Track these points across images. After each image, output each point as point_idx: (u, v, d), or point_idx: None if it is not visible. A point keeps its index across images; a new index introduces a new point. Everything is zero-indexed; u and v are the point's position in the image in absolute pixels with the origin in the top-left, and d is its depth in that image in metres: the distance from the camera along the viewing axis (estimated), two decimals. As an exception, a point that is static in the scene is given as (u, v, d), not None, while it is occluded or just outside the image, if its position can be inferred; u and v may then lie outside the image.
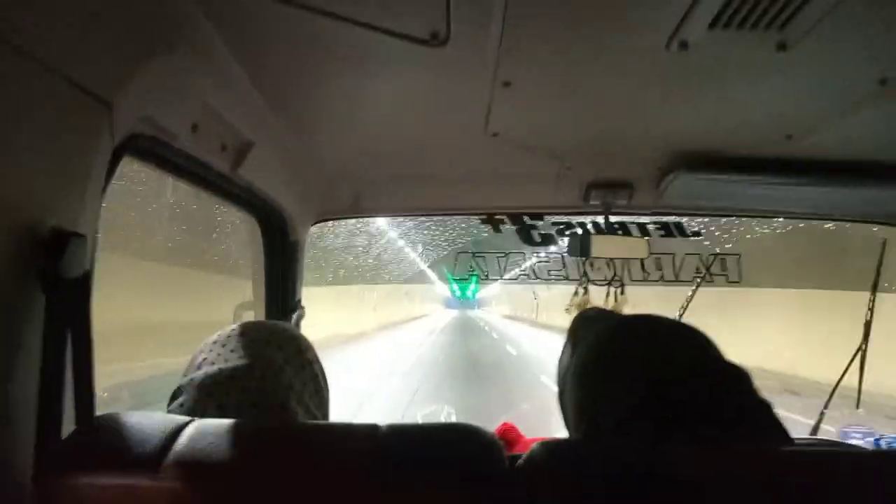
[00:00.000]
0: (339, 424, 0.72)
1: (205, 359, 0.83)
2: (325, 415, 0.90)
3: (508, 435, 1.78)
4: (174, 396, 0.81)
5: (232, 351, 0.83)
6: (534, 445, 0.66)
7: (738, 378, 0.73)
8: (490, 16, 0.88)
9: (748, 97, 1.18)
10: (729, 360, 0.75)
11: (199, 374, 0.81)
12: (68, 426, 0.74)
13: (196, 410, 0.77)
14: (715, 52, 0.99)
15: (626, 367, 0.76)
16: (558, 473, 0.62)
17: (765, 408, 0.71)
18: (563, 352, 0.90)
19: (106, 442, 0.66)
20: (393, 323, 29.14)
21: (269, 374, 0.82)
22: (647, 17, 0.90)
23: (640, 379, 0.73)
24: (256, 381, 0.80)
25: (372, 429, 0.68)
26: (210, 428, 0.66)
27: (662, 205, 1.78)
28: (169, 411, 0.80)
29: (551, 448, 0.66)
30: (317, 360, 0.92)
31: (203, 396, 0.79)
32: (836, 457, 0.68)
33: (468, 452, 0.66)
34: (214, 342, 0.86)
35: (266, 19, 0.95)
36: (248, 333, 0.87)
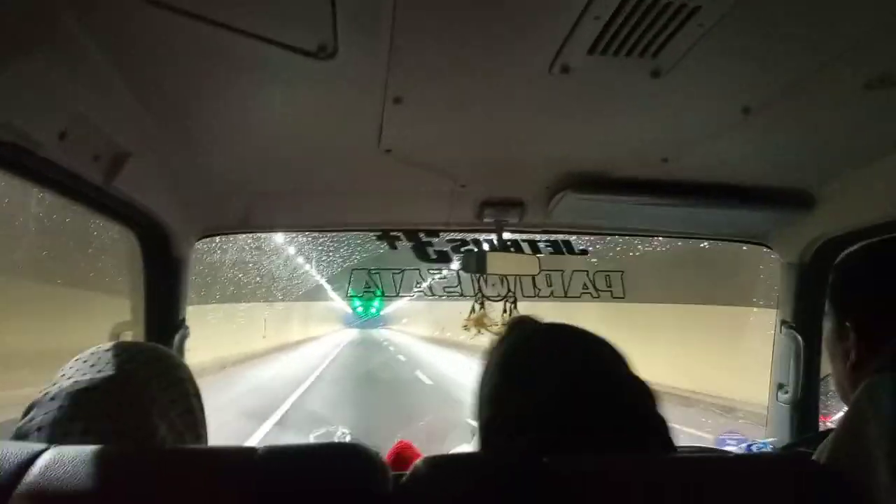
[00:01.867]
0: (213, 448, 0.69)
1: (63, 374, 0.78)
2: (199, 436, 0.86)
3: (405, 453, 1.76)
4: (26, 413, 0.74)
5: (92, 366, 0.78)
6: (417, 462, 0.66)
7: (640, 393, 0.75)
8: (377, 30, 0.88)
9: (627, 121, 1.25)
10: (634, 373, 0.77)
11: (54, 388, 0.75)
12: None
13: (48, 425, 0.71)
14: (595, 76, 1.04)
15: (528, 374, 0.77)
16: (440, 489, 0.62)
17: (659, 422, 0.74)
18: (490, 349, 0.89)
19: None
20: (282, 346, 22.36)
21: (130, 388, 0.77)
22: (530, 40, 0.93)
23: (542, 385, 0.74)
24: (116, 395, 0.75)
25: (248, 452, 0.65)
26: (68, 456, 0.61)
27: (552, 223, 1.85)
28: (18, 427, 0.73)
29: (434, 464, 0.66)
30: (190, 380, 0.87)
31: (55, 410, 0.73)
32: (706, 462, 0.72)
33: (351, 473, 0.64)
34: (76, 359, 0.80)
35: (145, 25, 0.89)
36: (112, 350, 0.82)
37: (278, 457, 0.65)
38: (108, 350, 0.82)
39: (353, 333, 45.07)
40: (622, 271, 2.66)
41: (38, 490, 0.58)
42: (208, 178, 1.57)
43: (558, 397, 0.72)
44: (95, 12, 0.86)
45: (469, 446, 1.68)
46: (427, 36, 0.92)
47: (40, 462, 0.60)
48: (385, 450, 1.71)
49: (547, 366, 0.77)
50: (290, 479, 0.62)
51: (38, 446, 0.63)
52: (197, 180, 1.57)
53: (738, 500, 0.64)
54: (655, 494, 0.62)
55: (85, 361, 0.80)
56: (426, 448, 1.85)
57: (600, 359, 0.79)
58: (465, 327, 2.22)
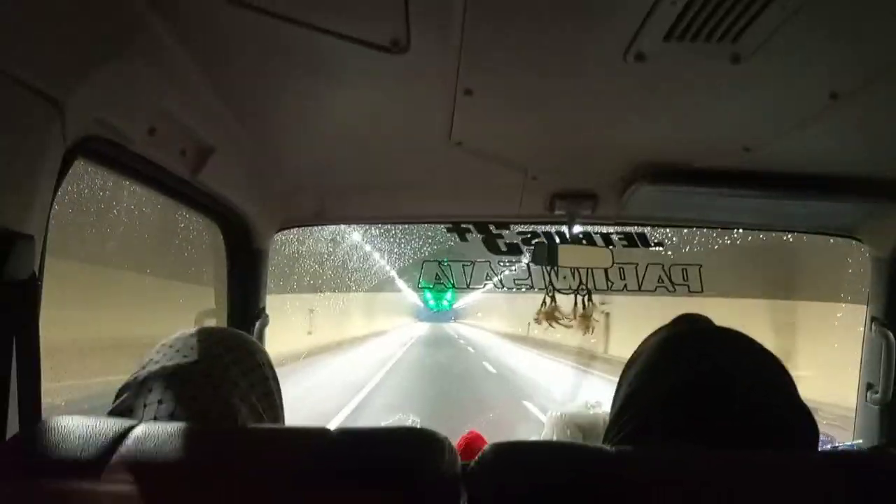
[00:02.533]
0: (287, 428, 0.72)
1: (150, 359, 0.82)
2: (277, 418, 0.90)
3: (475, 444, 1.78)
4: (119, 395, 0.80)
5: (178, 351, 0.83)
6: (485, 448, 0.66)
7: (802, 423, 0.71)
8: (449, 23, 0.89)
9: (705, 109, 1.20)
10: (801, 401, 0.73)
11: (143, 371, 0.80)
12: (13, 430, 0.73)
13: (138, 406, 0.76)
14: (671, 63, 1.00)
15: (678, 374, 0.75)
16: (507, 477, 0.63)
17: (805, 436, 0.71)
18: (652, 334, 0.88)
19: (48, 445, 0.64)
20: (333, 345, 17.03)
21: (214, 371, 0.81)
22: (603, 27, 0.91)
23: (689, 382, 0.72)
24: (200, 379, 0.79)
25: (321, 432, 0.68)
26: (155, 431, 0.65)
27: (625, 215, 1.81)
28: (112, 408, 0.78)
29: (501, 450, 0.66)
30: (268, 365, 0.91)
31: (145, 392, 0.78)
32: (787, 460, 0.68)
33: (421, 455, 0.65)
34: (163, 344, 0.85)
35: (226, 24, 0.93)
36: (196, 336, 0.86)
37: (351, 437, 0.68)
38: (192, 335, 0.86)
39: (422, 328, 40.97)
40: (700, 265, 2.57)
41: (129, 462, 0.62)
42: (285, 172, 1.63)
43: (687, 401, 0.71)
44: (180, 13, 0.90)
45: (538, 439, 1.67)
46: (499, 26, 0.91)
47: (131, 436, 0.65)
48: (454, 439, 1.73)
49: (696, 363, 0.75)
50: (361, 458, 0.64)
51: (129, 422, 0.68)
52: (275, 174, 1.62)
53: (829, 498, 0.61)
54: (728, 491, 0.60)
55: (171, 346, 0.84)
56: (494, 439, 1.85)
57: (758, 371, 0.75)
58: (537, 320, 2.21)
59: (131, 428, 0.66)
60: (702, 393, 0.71)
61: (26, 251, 0.72)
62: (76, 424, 0.67)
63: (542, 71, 1.06)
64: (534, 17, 0.89)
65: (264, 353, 0.92)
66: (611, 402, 0.86)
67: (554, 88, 1.13)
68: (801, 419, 0.71)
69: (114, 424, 0.67)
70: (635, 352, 0.86)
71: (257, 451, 0.67)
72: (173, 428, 0.66)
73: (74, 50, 0.78)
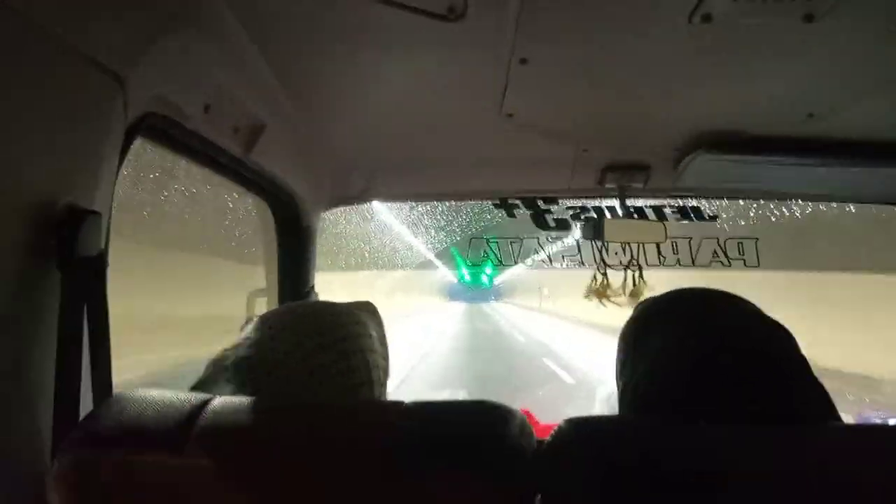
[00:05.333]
0: (362, 402, 0.71)
1: (244, 336, 0.81)
2: (388, 373, 0.89)
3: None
4: (206, 370, 0.79)
5: (270, 328, 0.81)
6: (561, 423, 0.64)
7: (799, 364, 0.71)
8: None
9: (771, 73, 1.14)
10: (803, 362, 0.72)
11: (231, 350, 0.79)
12: (87, 405, 0.74)
13: (220, 385, 0.76)
14: (739, 24, 0.95)
15: (676, 336, 0.75)
16: (588, 452, 0.61)
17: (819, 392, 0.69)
18: (649, 310, 0.87)
19: (124, 419, 0.65)
20: None
21: (297, 355, 0.79)
22: None
23: (707, 353, 0.71)
24: (275, 363, 0.77)
25: (396, 406, 0.67)
26: (233, 405, 0.66)
27: (679, 187, 1.76)
28: (193, 385, 0.78)
29: (580, 425, 0.64)
30: (352, 337, 0.86)
31: (230, 370, 0.77)
32: (857, 433, 0.65)
33: (497, 428, 0.64)
34: (255, 322, 0.84)
35: None
36: (286, 312, 0.86)
37: (425, 410, 0.67)
38: (284, 312, 0.86)
39: (454, 314, 31.85)
40: (756, 238, 2.48)
41: (207, 435, 0.63)
42: (335, 149, 1.63)
43: (725, 378, 0.69)
44: None
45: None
46: None
47: (209, 410, 0.65)
48: None
49: (707, 333, 0.74)
50: (437, 431, 0.64)
51: (205, 396, 0.68)
52: (324, 152, 1.63)
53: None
54: (799, 470, 0.57)
55: (263, 323, 0.83)
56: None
57: (770, 336, 0.74)
58: (587, 297, 2.18)
59: (208, 401, 0.67)
60: (715, 367, 0.70)
61: (95, 228, 0.74)
62: (151, 398, 0.68)
63: (600, 37, 1.02)
64: None
65: (345, 327, 0.87)
66: (617, 369, 0.85)
67: (611, 56, 1.09)
68: (814, 390, 0.71)
69: (189, 398, 0.68)
70: (636, 318, 0.85)
71: (334, 426, 0.67)
72: (249, 402, 0.67)
73: (137, 24, 0.79)
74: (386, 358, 0.89)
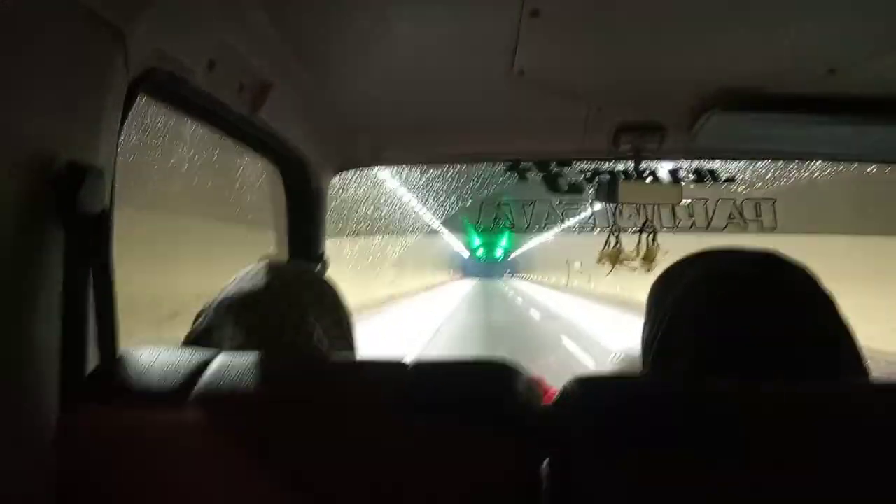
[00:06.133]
0: (366, 360, 0.72)
1: (226, 286, 0.86)
2: (350, 344, 0.91)
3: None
4: (195, 319, 0.84)
5: (252, 278, 0.85)
6: (568, 381, 0.64)
7: (822, 305, 0.70)
8: None
9: (790, 27, 1.10)
10: (821, 287, 0.71)
11: (220, 295, 0.84)
12: (93, 362, 0.75)
13: (214, 328, 0.79)
14: None
15: (723, 300, 0.73)
16: (595, 409, 0.60)
17: (847, 338, 0.68)
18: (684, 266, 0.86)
19: (130, 376, 0.67)
20: None
21: (286, 294, 0.84)
22: None
23: (737, 314, 0.70)
24: (275, 299, 0.82)
25: (400, 365, 0.67)
26: (236, 361, 0.67)
27: (695, 148, 1.72)
28: (188, 333, 0.82)
29: (587, 383, 0.63)
30: (337, 295, 0.93)
31: (221, 314, 0.81)
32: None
33: (504, 386, 0.64)
34: (236, 275, 0.88)
35: None
36: (267, 266, 0.89)
37: (430, 369, 0.67)
38: (265, 266, 0.90)
39: (464, 293, 28.67)
40: (774, 199, 2.44)
41: (211, 393, 0.64)
42: (343, 111, 1.61)
43: (732, 311, 0.69)
44: None
45: None
46: None
47: (212, 367, 0.66)
48: None
49: (734, 297, 0.72)
50: (442, 390, 0.64)
51: (208, 352, 0.69)
52: (332, 114, 1.61)
53: None
54: (823, 421, 0.57)
55: (246, 274, 0.88)
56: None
57: (808, 294, 0.72)
58: (600, 261, 2.16)
59: (211, 359, 0.68)
60: (752, 323, 0.68)
61: (98, 184, 0.73)
62: (156, 356, 0.69)
63: None
64: None
65: (331, 284, 0.94)
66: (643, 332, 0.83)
67: (625, 8, 1.05)
68: (846, 339, 0.69)
69: (193, 355, 0.69)
70: (662, 274, 0.84)
71: (338, 382, 0.68)
72: (253, 358, 0.68)
73: None
74: (339, 322, 0.90)
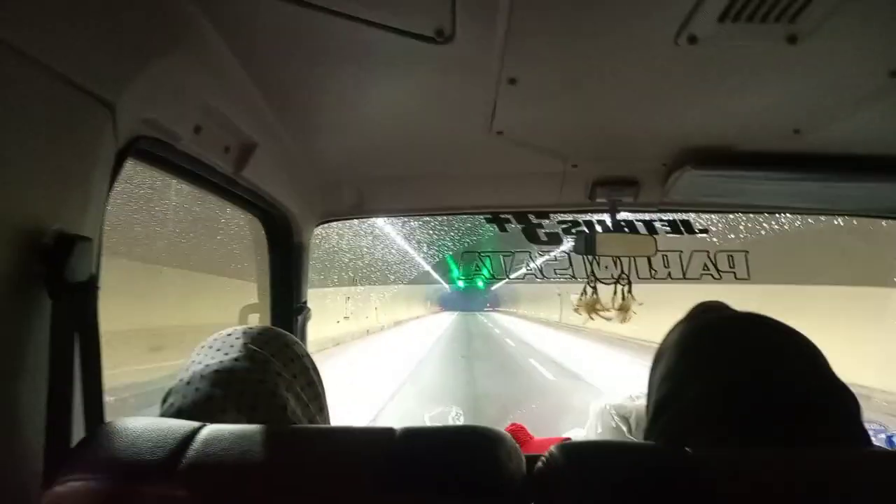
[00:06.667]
0: (354, 428, 0.71)
1: (193, 361, 0.84)
2: (322, 407, 0.91)
3: (518, 436, 1.77)
4: (165, 399, 0.81)
5: (218, 350, 0.84)
6: (552, 448, 0.64)
7: (844, 404, 0.69)
8: (496, 12, 0.88)
9: (757, 91, 1.16)
10: (842, 383, 0.70)
11: (187, 373, 0.82)
12: (78, 432, 0.74)
13: (185, 409, 0.77)
14: (724, 45, 0.97)
15: (716, 357, 0.73)
16: (579, 478, 0.60)
17: (860, 432, 0.68)
18: (669, 331, 0.86)
19: (117, 447, 0.65)
20: None
21: (256, 366, 0.82)
22: (655, 11, 0.88)
23: (726, 372, 0.70)
24: (245, 373, 0.81)
25: (387, 432, 0.67)
26: (223, 433, 0.66)
27: (669, 202, 1.77)
28: (161, 414, 0.79)
29: (571, 451, 0.64)
30: (307, 356, 0.92)
31: (192, 392, 0.79)
32: (862, 459, 0.65)
33: (487, 457, 0.64)
34: (202, 346, 0.87)
35: (267, 18, 0.94)
36: (233, 335, 0.88)
37: (415, 438, 0.67)
38: (229, 335, 0.88)
39: (443, 329, 27.34)
40: (746, 251, 2.50)
41: (199, 465, 0.63)
42: (326, 165, 1.64)
43: (741, 391, 0.68)
44: (223, 8, 0.91)
45: (583, 430, 1.65)
46: (546, 14, 0.90)
47: (199, 438, 0.65)
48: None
49: (725, 356, 0.73)
50: (426, 461, 0.64)
51: (195, 424, 0.68)
52: (315, 168, 1.64)
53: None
54: (800, 492, 0.57)
55: (210, 347, 0.86)
56: (538, 432, 1.84)
57: (791, 355, 0.72)
58: (576, 310, 2.18)
59: (198, 430, 0.67)
60: (740, 389, 0.69)
61: (85, 253, 0.73)
62: (143, 426, 0.68)
63: (588, 57, 1.04)
64: (583, 2, 0.87)
65: (301, 345, 0.94)
66: (646, 396, 0.84)
67: (600, 73, 1.10)
68: (843, 398, 0.69)
69: (180, 426, 0.68)
70: (662, 346, 0.84)
71: (327, 451, 0.67)
72: (240, 430, 0.67)
73: (125, 51, 0.80)
74: (311, 383, 0.90)
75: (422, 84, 1.17)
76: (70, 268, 0.70)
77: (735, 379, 0.70)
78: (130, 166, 0.96)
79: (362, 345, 17.59)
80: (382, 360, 14.45)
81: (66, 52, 0.70)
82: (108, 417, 0.78)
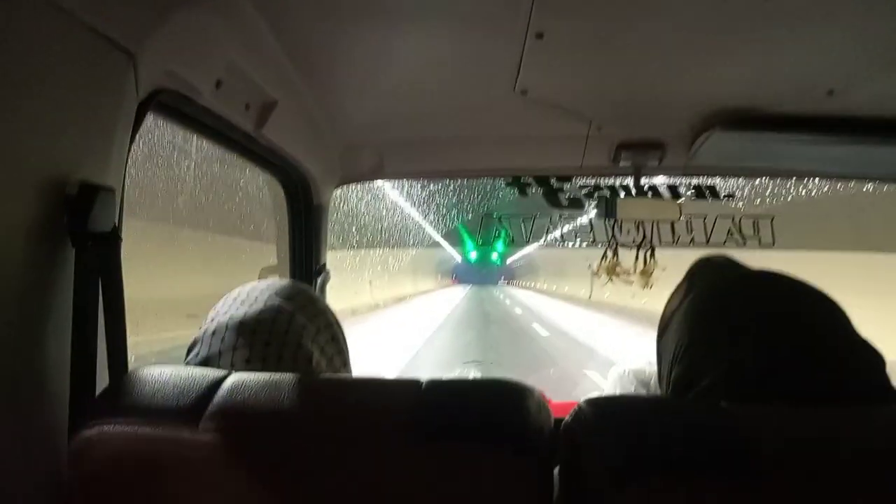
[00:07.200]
0: (379, 379, 0.71)
1: (217, 311, 0.85)
2: (346, 362, 0.91)
3: None
4: (190, 349, 0.82)
5: (242, 302, 0.85)
6: (580, 403, 0.63)
7: (869, 360, 0.67)
8: None
9: (789, 48, 1.12)
10: (865, 338, 0.69)
11: (212, 324, 0.82)
12: (102, 380, 0.75)
13: (212, 357, 0.79)
14: None
15: (739, 322, 0.71)
16: (609, 431, 0.59)
17: (891, 396, 0.65)
18: (674, 292, 0.85)
19: (143, 394, 0.66)
20: None
21: (281, 316, 0.83)
22: None
23: (753, 338, 0.68)
24: (271, 324, 0.81)
25: (414, 384, 0.67)
26: (248, 381, 0.66)
27: (695, 165, 1.73)
28: (186, 363, 0.81)
29: (601, 405, 0.63)
30: (330, 311, 0.92)
31: (217, 342, 0.80)
32: None
33: (515, 408, 0.64)
34: (227, 298, 0.87)
35: None
36: (258, 287, 0.88)
37: (442, 390, 0.67)
38: (254, 287, 0.89)
39: (456, 301, 25.89)
40: (772, 216, 2.45)
41: (225, 411, 0.63)
42: (346, 126, 1.63)
43: (765, 359, 0.66)
44: None
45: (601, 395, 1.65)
46: None
47: (225, 386, 0.66)
48: None
49: (749, 320, 0.70)
50: (453, 411, 0.64)
51: (221, 372, 0.69)
52: (335, 129, 1.63)
53: None
54: (840, 450, 0.56)
55: (235, 299, 0.86)
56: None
57: (815, 315, 0.70)
58: (596, 274, 2.16)
59: (224, 377, 0.67)
60: (763, 343, 0.67)
61: (108, 203, 0.74)
62: (168, 373, 0.69)
63: (616, 11, 1.00)
64: None
65: (323, 301, 0.94)
66: (656, 355, 0.83)
67: (627, 30, 1.07)
68: (869, 354, 0.68)
69: (206, 374, 0.69)
70: (668, 309, 0.82)
71: (352, 401, 0.67)
72: (266, 378, 0.67)
73: (146, 0, 0.79)
74: (335, 338, 0.90)
75: (446, 42, 1.15)
76: (93, 218, 0.71)
77: (760, 339, 0.68)
78: (151, 121, 0.96)
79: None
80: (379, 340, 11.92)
81: None
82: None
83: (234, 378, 0.67)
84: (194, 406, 0.64)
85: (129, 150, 0.84)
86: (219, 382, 0.67)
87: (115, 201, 0.77)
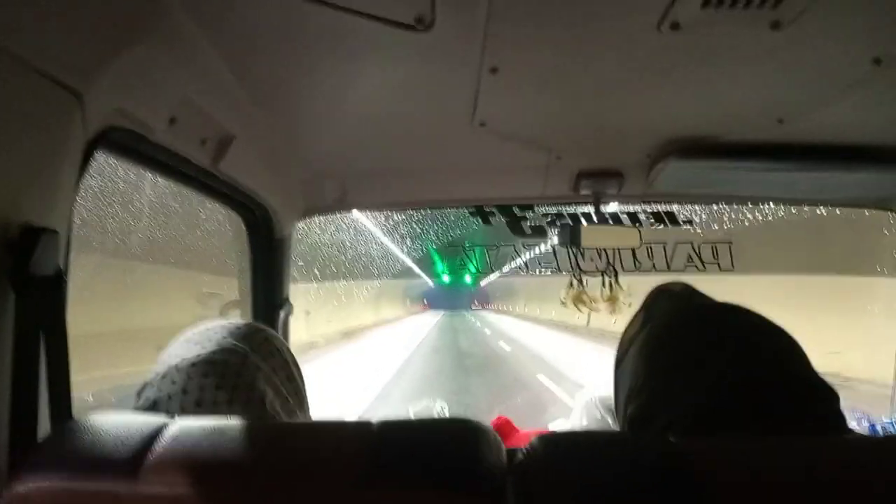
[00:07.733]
0: (329, 422, 0.69)
1: (169, 353, 0.82)
2: (303, 401, 0.89)
3: (503, 429, 1.76)
4: (139, 393, 0.79)
5: (196, 343, 0.82)
6: (533, 439, 0.62)
7: (823, 395, 0.67)
8: None
9: (740, 80, 1.15)
10: (817, 372, 0.69)
11: (163, 366, 0.79)
12: (44, 429, 0.71)
13: (161, 400, 0.76)
14: (707, 32, 0.96)
15: (696, 357, 0.70)
16: (560, 470, 0.58)
17: (842, 425, 0.66)
18: (632, 320, 0.84)
19: (83, 445, 0.63)
20: None
21: (234, 358, 0.80)
22: None
23: (711, 375, 0.67)
24: (223, 366, 0.79)
25: (364, 426, 0.65)
26: (192, 429, 0.63)
27: (653, 193, 1.76)
28: (135, 407, 0.77)
29: (551, 442, 0.62)
30: (288, 351, 0.90)
31: (167, 385, 0.77)
32: (846, 446, 0.64)
33: (466, 449, 0.62)
34: (178, 340, 0.85)
35: (246, 7, 0.91)
36: (210, 328, 0.86)
37: (394, 431, 0.65)
38: (207, 329, 0.86)
39: (423, 336, 21.77)
40: (730, 242, 2.51)
41: (166, 462, 0.60)
42: (307, 159, 1.62)
43: (721, 396, 0.66)
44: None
45: (567, 421, 1.64)
46: (527, 0, 0.88)
47: (167, 434, 0.63)
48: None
49: (706, 357, 0.70)
50: (405, 453, 0.62)
51: (162, 419, 0.66)
52: (296, 161, 1.61)
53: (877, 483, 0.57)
54: (788, 480, 0.56)
55: (188, 340, 0.84)
56: (524, 424, 1.83)
57: (783, 350, 0.71)
58: (563, 303, 2.18)
59: (166, 425, 0.64)
60: (723, 381, 0.67)
61: (51, 246, 0.71)
62: (109, 422, 0.65)
63: (570, 46, 1.02)
64: None
65: (280, 339, 0.92)
66: (613, 385, 0.82)
67: (581, 63, 1.09)
68: (823, 389, 0.68)
69: (147, 421, 0.65)
70: (626, 337, 0.82)
71: (300, 447, 0.65)
72: (211, 424, 0.65)
73: (94, 39, 0.77)
74: (291, 378, 0.89)
75: (403, 75, 1.15)
76: (35, 261, 0.68)
77: (719, 376, 0.67)
78: (104, 159, 0.93)
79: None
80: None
81: (31, 38, 0.67)
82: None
83: (178, 426, 0.64)
84: (133, 457, 0.60)
85: (77, 191, 0.81)
86: (160, 430, 0.63)
87: (59, 243, 0.74)
